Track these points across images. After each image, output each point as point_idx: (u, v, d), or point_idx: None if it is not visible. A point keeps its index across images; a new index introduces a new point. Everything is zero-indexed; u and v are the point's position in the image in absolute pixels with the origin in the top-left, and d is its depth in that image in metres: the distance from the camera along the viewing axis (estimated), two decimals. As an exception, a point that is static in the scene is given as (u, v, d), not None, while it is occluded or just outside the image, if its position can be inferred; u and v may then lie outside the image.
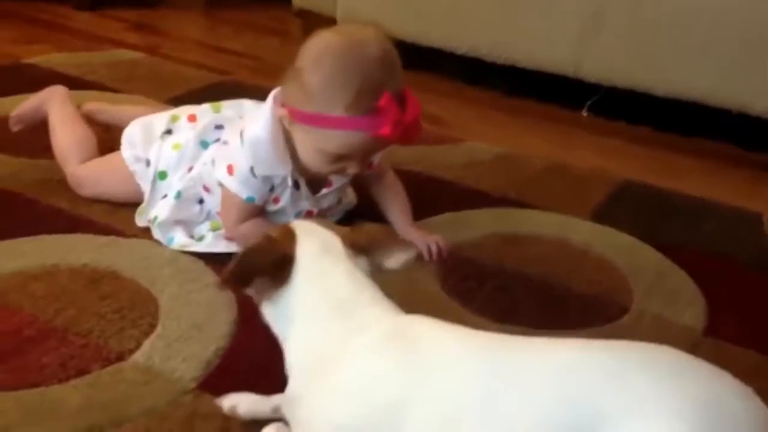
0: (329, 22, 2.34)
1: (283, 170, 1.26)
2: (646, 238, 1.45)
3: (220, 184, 1.28)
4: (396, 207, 1.39)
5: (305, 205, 1.33)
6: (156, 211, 1.33)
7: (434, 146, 1.76)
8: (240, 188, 1.25)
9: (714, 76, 1.83)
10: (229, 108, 1.40)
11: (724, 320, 1.24)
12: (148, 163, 1.35)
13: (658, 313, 1.25)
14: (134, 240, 1.33)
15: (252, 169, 1.24)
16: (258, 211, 1.29)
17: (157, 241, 1.32)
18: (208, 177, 1.31)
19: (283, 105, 1.22)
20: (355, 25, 1.24)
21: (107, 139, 1.50)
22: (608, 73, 1.97)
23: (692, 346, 1.17)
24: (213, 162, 1.30)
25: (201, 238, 1.33)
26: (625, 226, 1.49)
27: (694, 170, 1.84)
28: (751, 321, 1.26)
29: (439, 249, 1.34)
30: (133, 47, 2.31)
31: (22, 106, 1.55)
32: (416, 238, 1.32)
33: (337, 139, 1.17)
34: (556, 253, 1.39)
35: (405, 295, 1.18)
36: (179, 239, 1.32)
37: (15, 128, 1.55)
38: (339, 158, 1.20)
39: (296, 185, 1.29)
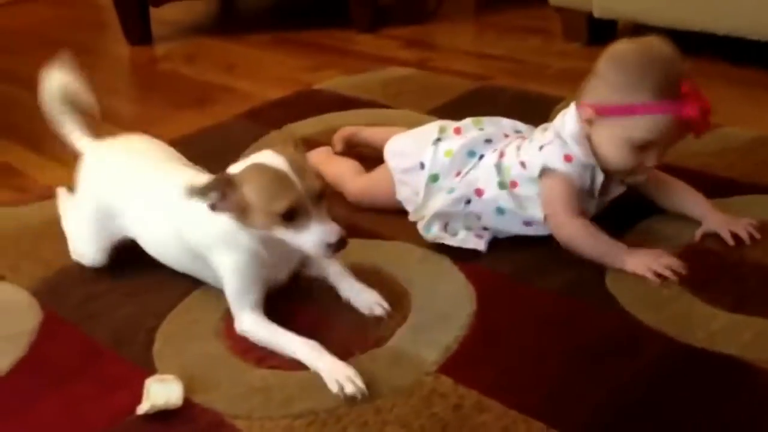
0: (586, 16, 2.38)
1: (592, 162, 1.37)
2: None
3: (548, 175, 1.38)
4: (690, 196, 1.44)
5: (589, 207, 1.42)
6: (430, 208, 1.49)
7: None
8: (576, 175, 1.37)
9: None
10: (489, 124, 1.54)
11: None
12: (422, 166, 1.51)
13: None
14: (392, 242, 1.51)
15: (581, 161, 1.36)
16: (582, 206, 1.39)
17: (413, 243, 1.49)
18: (484, 181, 1.45)
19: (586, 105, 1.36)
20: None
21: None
22: None
23: None
24: (514, 165, 1.42)
25: (455, 234, 1.48)
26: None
27: None
28: None
29: (750, 233, 1.36)
30: (405, 63, 2.53)
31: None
32: (722, 223, 1.38)
33: (645, 125, 1.29)
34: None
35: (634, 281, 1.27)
36: (435, 231, 1.47)
37: None
38: (642, 148, 1.31)
39: (606, 184, 1.40)
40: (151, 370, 1.21)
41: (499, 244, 1.46)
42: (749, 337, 1.15)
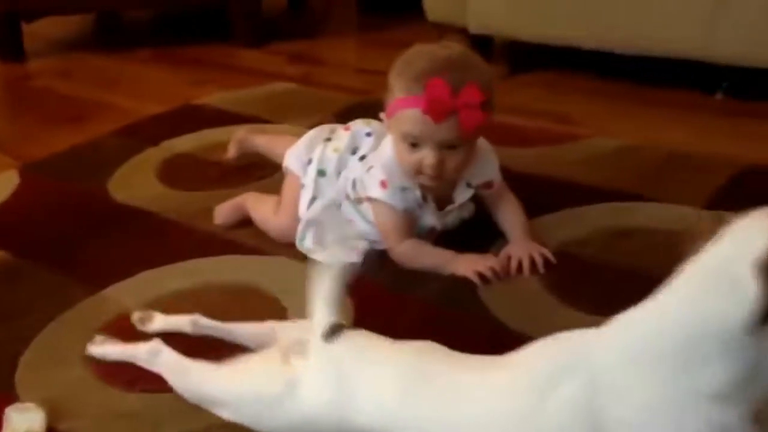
0: (462, 32, 2.44)
1: (408, 181, 1.40)
2: (764, 222, 1.43)
3: (372, 201, 1.42)
4: (510, 219, 1.48)
5: (430, 220, 1.46)
6: (312, 210, 1.50)
7: (556, 146, 1.83)
8: (395, 200, 1.40)
9: None
10: (377, 125, 1.56)
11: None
12: (310, 161, 1.52)
13: None
14: (272, 257, 1.50)
15: (396, 184, 1.39)
16: (412, 226, 1.44)
17: (293, 257, 1.49)
18: (349, 188, 1.47)
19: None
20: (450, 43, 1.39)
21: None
22: (742, 53, 1.93)
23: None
24: (358, 182, 1.44)
25: (327, 247, 1.49)
26: (742, 212, 1.47)
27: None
28: None
29: (534, 263, 1.39)
30: (290, 78, 2.53)
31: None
32: (516, 249, 1.41)
33: (404, 119, 1.33)
34: (661, 243, 1.42)
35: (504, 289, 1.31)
36: (308, 243, 1.49)
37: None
38: (413, 146, 1.34)
39: (424, 199, 1.43)
40: (13, 398, 1.16)
41: (379, 254, 1.47)
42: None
